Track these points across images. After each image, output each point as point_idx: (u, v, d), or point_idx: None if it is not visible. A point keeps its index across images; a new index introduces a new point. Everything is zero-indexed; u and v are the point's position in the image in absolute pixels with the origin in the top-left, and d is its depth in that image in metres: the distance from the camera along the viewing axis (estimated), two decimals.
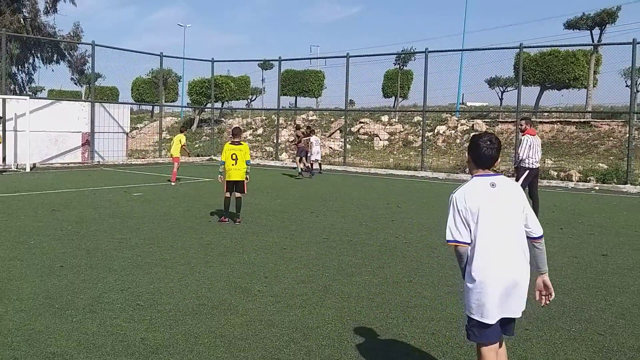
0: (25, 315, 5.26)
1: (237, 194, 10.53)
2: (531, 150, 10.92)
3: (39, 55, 37.71)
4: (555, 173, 20.72)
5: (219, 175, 10.80)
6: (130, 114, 29.97)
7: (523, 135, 11.20)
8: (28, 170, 20.86)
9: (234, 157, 10.42)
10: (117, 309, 5.50)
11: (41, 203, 12.30)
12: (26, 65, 37.85)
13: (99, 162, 24.49)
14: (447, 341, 4.93)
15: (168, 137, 36.85)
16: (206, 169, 23.81)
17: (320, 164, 22.42)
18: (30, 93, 35.31)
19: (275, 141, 29.96)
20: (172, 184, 16.98)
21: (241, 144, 10.60)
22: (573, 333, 5.20)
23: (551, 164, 22.90)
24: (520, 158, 11.05)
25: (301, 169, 21.36)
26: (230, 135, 10.99)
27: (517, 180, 10.85)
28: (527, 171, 11.02)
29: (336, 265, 7.37)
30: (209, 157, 29.37)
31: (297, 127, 24.71)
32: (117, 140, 25.76)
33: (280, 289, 6.28)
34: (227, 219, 10.40)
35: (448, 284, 6.62)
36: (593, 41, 27.26)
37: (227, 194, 10.60)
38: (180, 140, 18.06)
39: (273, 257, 7.78)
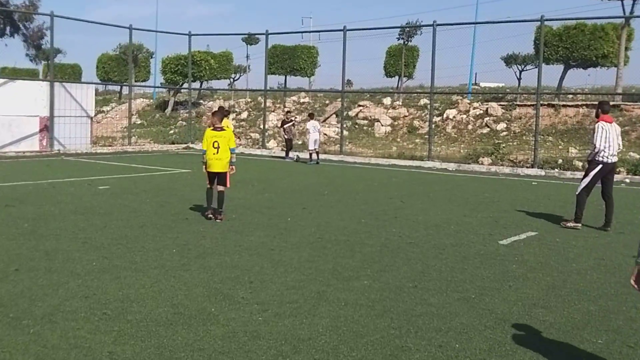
0: None
1: (220, 187, 10.53)
2: (606, 140, 10.28)
3: None
4: (580, 164, 20.80)
5: (204, 166, 10.78)
6: (95, 95, 29.84)
7: (597, 122, 10.54)
8: None
9: (215, 145, 10.40)
10: (80, 318, 5.50)
11: None
12: None
13: (59, 150, 24.40)
14: (457, 354, 4.96)
15: (139, 122, 36.85)
16: (182, 158, 23.78)
17: (317, 154, 22.79)
18: None
19: (262, 127, 29.92)
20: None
21: (224, 130, 10.60)
22: (599, 345, 5.24)
23: (576, 153, 23.00)
24: (596, 150, 10.36)
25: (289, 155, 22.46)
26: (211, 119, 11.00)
27: (585, 176, 10.56)
28: (600, 166, 10.42)
29: (331, 269, 7.39)
30: (185, 145, 29.33)
31: (288, 112, 25.13)
32: (80, 125, 25.65)
33: (267, 295, 6.29)
34: (211, 214, 10.42)
35: (458, 290, 6.65)
36: (624, 13, 27.31)
37: (209, 185, 10.64)
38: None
39: (259, 259, 7.79)
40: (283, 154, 24.93)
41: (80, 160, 21.72)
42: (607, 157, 10.39)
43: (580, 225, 10.46)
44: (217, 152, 10.40)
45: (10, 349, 4.81)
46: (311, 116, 24.00)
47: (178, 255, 7.86)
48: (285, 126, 24.51)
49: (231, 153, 10.54)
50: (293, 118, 26.13)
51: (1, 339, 5.01)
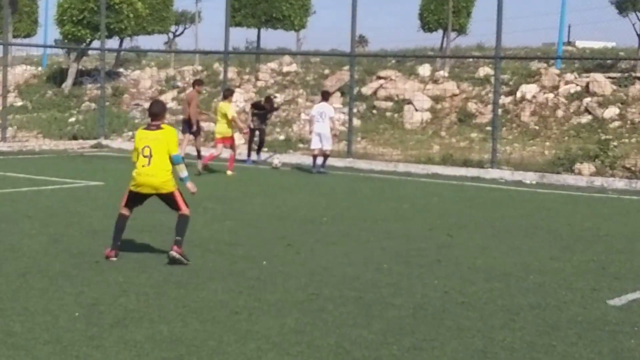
0: None
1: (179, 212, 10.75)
2: None
3: None
4: None
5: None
6: None
7: None
8: None
9: (146, 151, 10.51)
10: None
11: None
12: None
13: None
14: None
15: (19, 104, 36.84)
16: (90, 163, 23.78)
17: (326, 157, 22.62)
18: None
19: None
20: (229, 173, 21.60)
21: (161, 129, 10.70)
22: None
23: None
24: None
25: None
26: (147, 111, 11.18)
27: None
28: None
29: (333, 345, 7.39)
30: (95, 142, 29.31)
31: (268, 98, 25.41)
32: None
33: None
34: (114, 253, 10.63)
35: None
36: None
37: (125, 211, 10.88)
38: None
39: (216, 328, 7.78)
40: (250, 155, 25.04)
41: None
42: None
43: None
44: (149, 164, 10.51)
45: None
46: (324, 96, 23.79)
47: (83, 323, 7.84)
48: (257, 111, 24.61)
49: (176, 164, 10.63)
50: (276, 104, 26.28)
51: None
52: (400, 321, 8.24)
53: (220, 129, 22.23)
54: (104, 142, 29.36)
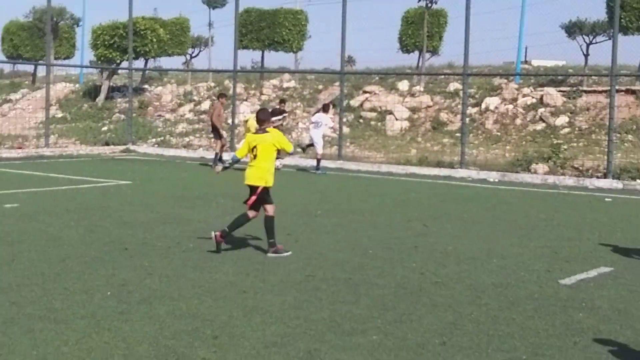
0: None
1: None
2: None
3: None
4: None
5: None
6: (1, 77, 29.82)
7: None
8: None
9: (254, 151, 10.52)
10: None
11: None
12: None
13: None
14: None
15: (60, 115, 36.81)
16: (120, 165, 23.77)
17: (319, 161, 22.67)
18: None
19: (230, 121, 29.92)
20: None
21: (267, 132, 10.63)
22: None
23: None
24: None
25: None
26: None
27: None
28: None
29: (327, 319, 7.38)
30: (124, 147, 29.29)
31: (282, 101, 25.20)
32: None
33: (238, 356, 6.28)
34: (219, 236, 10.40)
35: (503, 348, 6.65)
36: None
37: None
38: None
39: (227, 305, 7.77)
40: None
41: None
42: None
43: None
44: (254, 159, 10.50)
45: None
46: (324, 108, 23.98)
47: (114, 300, 7.83)
48: (273, 118, 24.35)
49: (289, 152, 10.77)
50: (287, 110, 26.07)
51: None
52: (383, 298, 8.25)
53: None
54: (132, 147, 29.36)
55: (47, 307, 7.54)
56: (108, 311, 7.45)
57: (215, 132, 23.78)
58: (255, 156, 10.50)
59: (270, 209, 10.55)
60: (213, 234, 10.34)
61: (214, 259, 9.95)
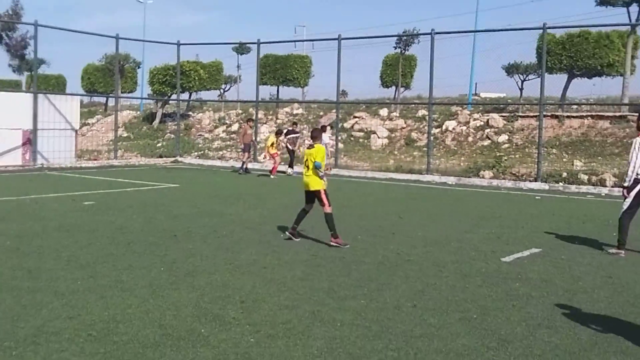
0: None
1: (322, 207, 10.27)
2: None
3: None
4: (586, 177, 20.88)
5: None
6: (80, 107, 29.87)
7: (637, 136, 9.84)
8: None
9: (306, 163, 10.23)
10: (64, 340, 5.48)
11: None
12: None
13: (42, 164, 24.36)
14: None
15: (125, 135, 36.85)
16: (170, 172, 23.78)
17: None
18: None
19: (253, 139, 29.94)
20: (272, 176, 22.28)
21: (314, 147, 10.26)
22: None
23: (581, 166, 23.10)
24: (631, 170, 9.67)
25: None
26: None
27: (625, 198, 9.83)
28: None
29: (326, 288, 7.39)
30: (173, 159, 29.32)
31: (294, 124, 25.20)
32: (65, 138, 25.64)
33: (259, 316, 6.28)
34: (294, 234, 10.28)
35: (459, 310, 6.66)
36: (630, 20, 27.56)
37: (329, 209, 10.23)
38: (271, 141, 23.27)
39: (251, 277, 7.78)
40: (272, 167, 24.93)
41: (65, 175, 21.69)
42: None
43: (623, 252, 9.79)
44: (307, 170, 10.19)
45: None
46: (322, 129, 23.95)
47: (166, 274, 7.85)
48: (290, 136, 24.21)
49: (317, 168, 10.07)
50: (299, 130, 25.94)
51: None
52: (368, 272, 8.25)
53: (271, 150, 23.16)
54: (179, 159, 29.37)
55: (116, 279, 7.55)
56: (161, 282, 7.46)
57: (244, 147, 24.14)
58: (307, 167, 10.15)
59: (328, 207, 10.14)
60: (287, 233, 10.19)
61: (242, 243, 9.95)
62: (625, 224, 9.93)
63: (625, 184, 9.88)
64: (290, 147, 24.06)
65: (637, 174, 9.73)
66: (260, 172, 24.44)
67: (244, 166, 23.72)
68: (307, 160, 10.22)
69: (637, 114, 10.17)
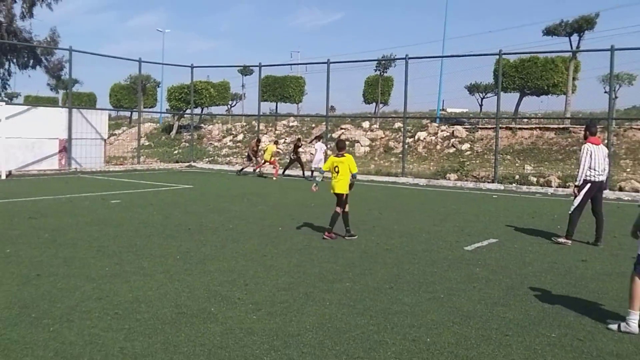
0: (1, 325, 5.19)
1: (346, 208, 10.11)
2: (593, 162, 9.70)
3: (14, 60, 37.25)
4: (535, 179, 20.96)
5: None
6: (108, 120, 29.73)
7: (584, 144, 9.88)
8: (4, 177, 20.58)
9: (336, 169, 9.95)
10: (95, 317, 5.45)
11: (17, 211, 12.14)
12: (1, 70, 37.40)
13: (76, 169, 24.23)
14: (428, 347, 4.97)
15: (147, 144, 36.70)
16: (185, 175, 23.68)
17: (312, 171, 22.73)
18: (6, 99, 34.79)
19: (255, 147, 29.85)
20: (275, 178, 22.27)
21: (344, 156, 10.02)
22: (553, 339, 5.27)
23: (530, 169, 23.18)
24: (581, 171, 9.74)
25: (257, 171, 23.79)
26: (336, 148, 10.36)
27: (575, 196, 9.88)
28: (589, 185, 9.74)
29: (317, 273, 7.39)
30: (188, 164, 29.21)
31: (299, 139, 25.18)
32: (95, 146, 25.52)
33: (260, 296, 6.27)
34: (332, 234, 9.90)
35: (429, 290, 6.66)
36: (572, 48, 27.71)
37: (338, 209, 10.06)
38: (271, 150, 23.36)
39: (253, 264, 7.77)
40: (259, 170, 24.90)
41: (95, 178, 21.58)
42: (595, 177, 9.77)
43: (570, 242, 9.84)
44: (337, 175, 9.94)
45: (32, 345, 4.76)
46: (319, 138, 24.23)
47: (181, 261, 7.82)
48: (299, 150, 24.26)
49: (353, 176, 9.99)
50: (301, 144, 26.20)
51: (24, 336, 4.95)
52: (353, 260, 8.25)
53: (268, 157, 23.17)
54: (193, 164, 29.26)
55: (139, 266, 7.52)
56: (177, 268, 7.43)
57: (249, 157, 24.68)
58: (337, 173, 9.89)
59: (346, 207, 10.06)
60: (325, 235, 9.81)
61: (246, 235, 9.93)
62: (575, 218, 9.93)
63: (577, 183, 9.92)
64: (293, 157, 23.82)
65: (587, 176, 9.78)
66: (264, 175, 24.39)
67: (255, 169, 24.24)
68: (336, 166, 9.92)
69: (578, 126, 10.31)
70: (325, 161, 22.13)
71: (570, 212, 10.02)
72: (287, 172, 24.30)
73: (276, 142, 25.86)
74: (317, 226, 11.06)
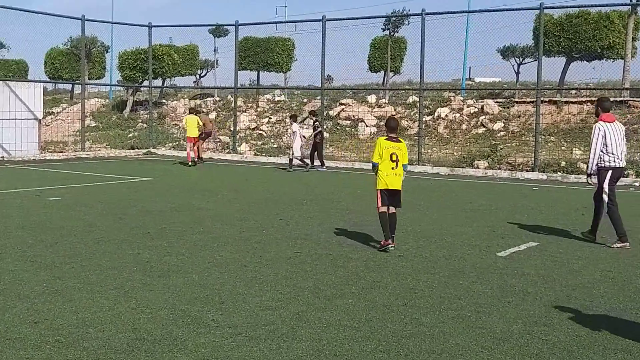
0: None
1: (393, 209, 9.69)
2: (608, 143, 9.89)
3: None
4: (586, 166, 21.03)
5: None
6: (44, 95, 29.67)
7: (596, 122, 10.16)
8: None
9: (393, 157, 9.43)
10: (30, 346, 5.47)
11: None
12: None
13: (3, 157, 24.19)
14: None
15: (93, 125, 36.64)
16: (143, 165, 23.68)
17: (290, 160, 22.29)
18: None
19: (232, 128, 29.88)
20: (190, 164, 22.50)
21: (400, 142, 9.67)
22: None
23: (580, 154, 23.26)
24: (592, 157, 10.05)
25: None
26: (385, 129, 9.86)
27: (599, 189, 10.09)
28: (610, 172, 9.97)
29: (311, 287, 7.42)
30: (146, 150, 29.20)
31: (314, 114, 24.30)
32: (27, 129, 25.47)
33: (240, 317, 6.30)
34: (390, 242, 9.40)
35: (453, 308, 6.71)
36: (632, 0, 27.72)
37: (384, 208, 9.60)
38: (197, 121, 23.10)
39: (231, 277, 7.79)
40: (257, 159, 24.94)
41: (28, 168, 21.54)
42: (615, 162, 9.97)
43: (628, 244, 9.88)
44: (396, 167, 9.46)
45: None
46: (295, 118, 23.71)
47: (139, 274, 7.83)
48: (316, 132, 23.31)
49: (405, 170, 9.67)
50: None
51: None
52: (356, 269, 8.29)
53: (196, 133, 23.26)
54: (152, 150, 29.29)
55: (85, 280, 7.54)
56: (134, 283, 7.45)
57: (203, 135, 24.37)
58: (396, 163, 9.43)
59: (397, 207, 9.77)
60: (382, 243, 9.43)
61: (220, 240, 9.95)
62: (615, 215, 10.08)
63: (588, 172, 10.29)
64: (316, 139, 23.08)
65: (605, 161, 10.06)
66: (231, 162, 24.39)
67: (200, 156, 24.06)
68: (393, 154, 9.42)
69: (601, 100, 10.30)
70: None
71: (606, 211, 10.15)
72: (317, 162, 22.96)
73: (197, 112, 25.10)
74: (311, 229, 11.08)
